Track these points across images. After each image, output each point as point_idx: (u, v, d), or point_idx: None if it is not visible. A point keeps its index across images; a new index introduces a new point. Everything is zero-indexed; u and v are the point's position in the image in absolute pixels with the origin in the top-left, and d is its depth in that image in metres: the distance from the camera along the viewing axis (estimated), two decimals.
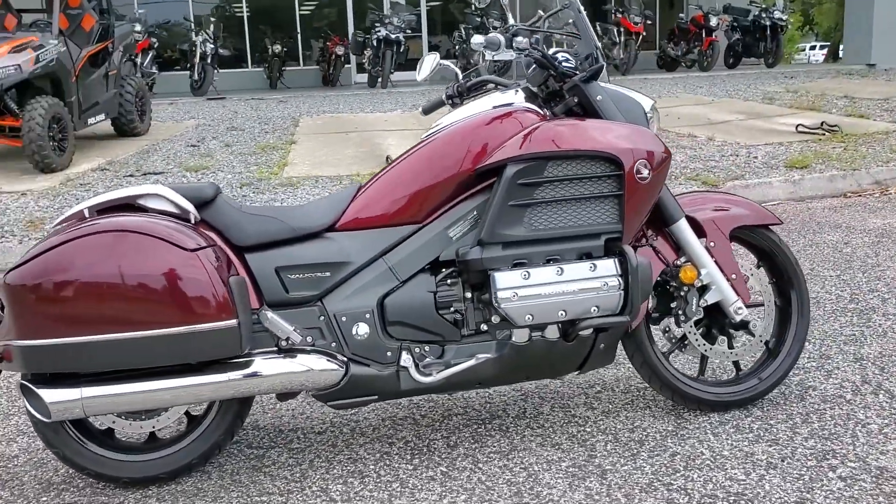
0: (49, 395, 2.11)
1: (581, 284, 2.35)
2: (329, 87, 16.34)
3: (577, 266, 2.35)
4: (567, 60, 2.56)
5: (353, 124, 9.81)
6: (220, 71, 15.27)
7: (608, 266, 2.37)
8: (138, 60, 13.84)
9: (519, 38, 2.46)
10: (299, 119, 10.44)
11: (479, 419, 2.71)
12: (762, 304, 2.72)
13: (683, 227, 2.56)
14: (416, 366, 2.35)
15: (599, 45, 2.58)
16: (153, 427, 2.37)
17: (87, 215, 2.25)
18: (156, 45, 14.56)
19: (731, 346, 2.70)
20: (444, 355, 2.39)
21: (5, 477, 2.47)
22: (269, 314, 2.25)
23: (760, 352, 2.75)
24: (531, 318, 2.34)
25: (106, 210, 2.26)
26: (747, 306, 2.67)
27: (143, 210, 2.27)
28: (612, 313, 2.38)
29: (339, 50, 16.24)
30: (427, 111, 2.84)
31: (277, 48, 16.74)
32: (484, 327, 2.41)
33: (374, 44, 14.63)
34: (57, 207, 6.16)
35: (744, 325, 2.67)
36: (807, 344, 3.19)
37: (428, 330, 2.37)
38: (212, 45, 14.46)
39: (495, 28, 2.75)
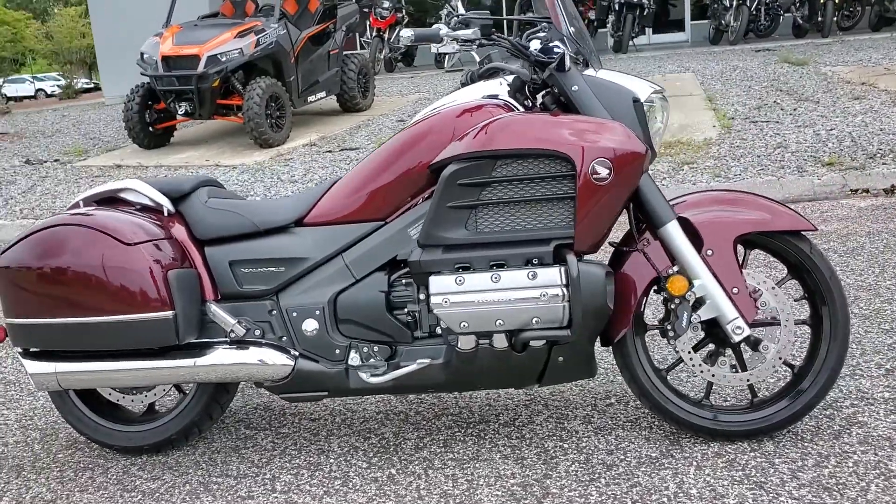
0: (31, 367, 2.39)
1: (519, 293, 2.17)
2: None
3: (516, 274, 2.17)
4: (555, 48, 2.34)
5: None
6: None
7: (551, 275, 2.16)
8: (385, 35, 14.67)
9: (467, 30, 2.29)
10: None
11: (464, 422, 2.62)
12: (777, 323, 2.32)
13: (672, 232, 2.26)
14: (364, 365, 2.33)
15: (571, 30, 2.33)
16: (142, 402, 2.58)
17: (81, 205, 2.49)
18: (404, 21, 15.21)
19: (742, 369, 2.35)
20: (394, 356, 2.34)
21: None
22: (213, 307, 2.35)
23: (777, 377, 2.37)
24: (466, 325, 2.21)
25: (98, 201, 2.49)
26: (757, 325, 2.32)
27: (125, 202, 2.46)
28: (557, 326, 2.18)
29: (592, 14, 15.90)
30: None
31: None
32: (438, 331, 2.32)
33: (616, 7, 14.18)
34: (252, 182, 6.75)
35: (755, 346, 2.32)
36: (853, 372, 2.70)
37: (378, 330, 2.33)
38: None
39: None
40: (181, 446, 2.60)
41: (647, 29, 16.21)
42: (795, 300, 2.45)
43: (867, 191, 5.18)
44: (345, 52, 9.67)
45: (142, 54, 8.39)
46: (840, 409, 2.49)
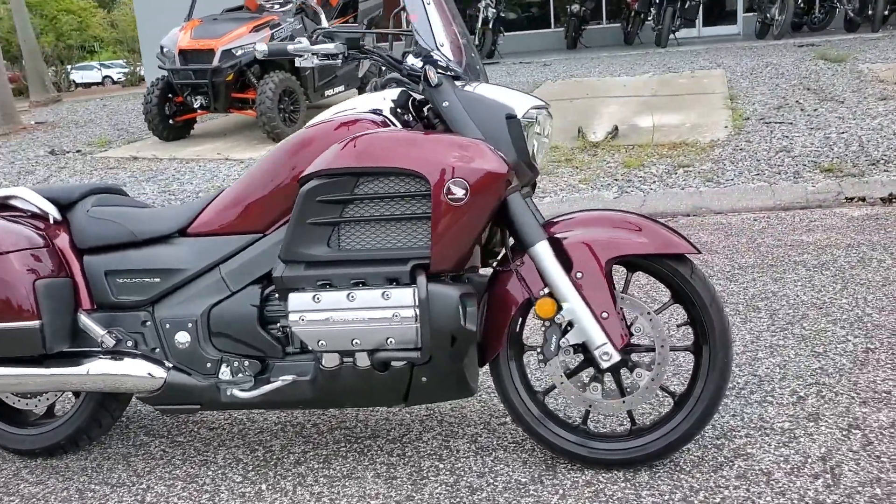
0: None
1: (372, 313, 2.13)
2: (628, 45, 15.78)
3: (370, 293, 2.13)
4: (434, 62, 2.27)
5: (590, 90, 9.47)
6: (518, 33, 15.55)
7: (404, 296, 2.11)
8: None
9: (329, 45, 2.25)
10: (541, 84, 10.33)
11: (355, 437, 2.59)
12: (652, 349, 2.23)
13: (540, 253, 2.18)
14: (234, 380, 2.32)
15: (443, 43, 2.26)
16: (35, 406, 2.62)
17: None
18: None
19: (622, 395, 2.27)
20: (265, 372, 2.32)
21: None
22: (83, 317, 2.37)
23: (660, 404, 2.28)
24: (324, 343, 2.18)
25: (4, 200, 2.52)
26: (632, 350, 2.23)
27: (13, 209, 2.49)
28: (412, 347, 2.14)
29: (637, 5, 15.61)
30: None
31: (576, 7, 16.45)
32: (310, 347, 2.30)
33: (657, 0, 13.89)
34: None
35: (631, 372, 2.23)
36: (764, 398, 2.58)
37: (249, 344, 2.31)
38: (493, 10, 14.70)
39: None
40: (74, 451, 2.63)
41: (696, 21, 15.87)
42: (678, 326, 2.36)
43: (864, 199, 4.97)
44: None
45: (161, 48, 8.54)
46: (733, 438, 2.39)
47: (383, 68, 2.40)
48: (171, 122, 8.78)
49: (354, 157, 2.13)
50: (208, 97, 8.22)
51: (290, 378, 2.25)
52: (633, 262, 2.25)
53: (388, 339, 2.13)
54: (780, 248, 4.22)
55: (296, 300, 2.17)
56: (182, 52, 8.24)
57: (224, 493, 2.33)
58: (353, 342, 2.15)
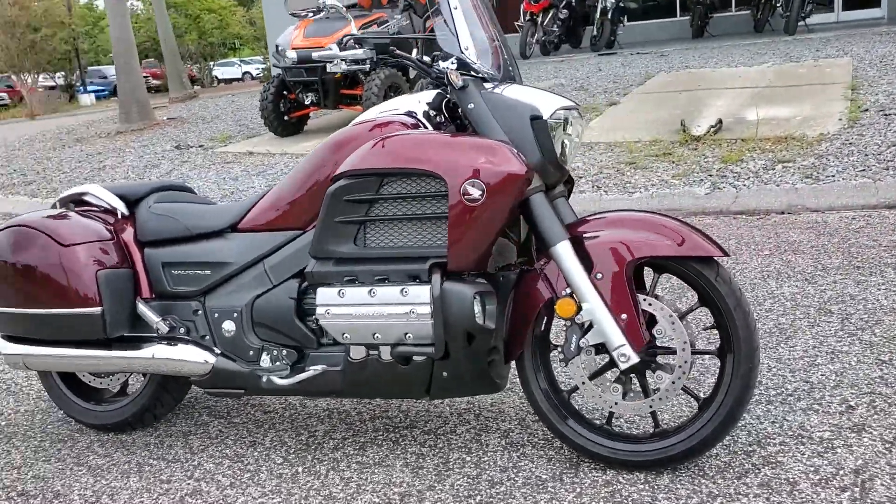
0: (3, 348, 2.71)
1: (391, 309, 2.21)
2: (757, 33, 15.16)
3: (390, 290, 2.22)
4: (458, 65, 2.33)
5: (702, 81, 9.21)
6: (641, 23, 15.27)
7: (420, 293, 2.18)
8: (539, 19, 14.58)
9: (357, 51, 2.33)
10: (653, 75, 10.11)
11: (394, 426, 2.67)
12: (674, 351, 2.21)
13: (561, 253, 2.20)
14: (273, 368, 2.46)
15: (467, 46, 2.30)
16: (109, 385, 2.86)
17: (57, 206, 2.78)
18: (561, 4, 15.01)
19: (646, 396, 2.26)
20: (300, 361, 2.45)
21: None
22: (141, 305, 2.56)
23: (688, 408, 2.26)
24: (348, 336, 2.28)
25: (72, 201, 2.76)
26: (655, 352, 2.22)
27: (88, 204, 2.72)
28: (429, 342, 2.21)
29: None
30: None
31: None
32: (337, 339, 2.40)
33: None
34: None
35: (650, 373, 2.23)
36: (810, 406, 2.49)
37: (287, 335, 2.44)
38: (612, 0, 14.46)
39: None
40: (141, 427, 2.85)
41: (833, 5, 15.08)
42: (705, 329, 2.32)
43: None
44: None
45: (277, 46, 8.91)
46: (766, 445, 2.33)
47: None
48: (285, 118, 9.14)
49: (378, 158, 2.22)
50: (318, 94, 8.52)
51: (320, 368, 2.37)
52: (659, 264, 2.24)
53: (406, 334, 2.21)
54: (873, 248, 4.02)
55: (323, 294, 2.29)
56: (295, 50, 8.56)
57: (264, 473, 2.48)
58: (375, 336, 2.25)
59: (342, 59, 2.34)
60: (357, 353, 2.32)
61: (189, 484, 2.47)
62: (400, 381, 2.32)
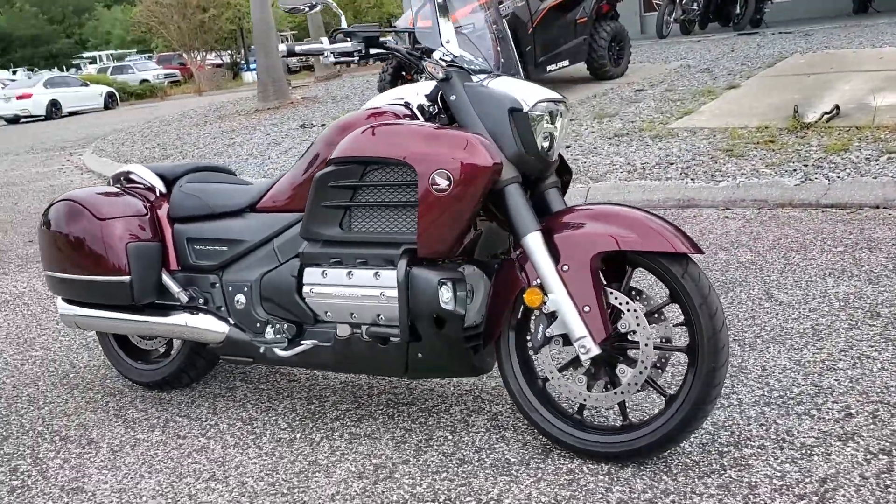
0: (60, 308, 3.04)
1: (365, 291, 2.33)
2: None
3: (365, 273, 2.33)
4: (452, 60, 2.40)
5: (837, 63, 8.69)
6: None
7: (390, 277, 2.29)
8: None
9: (346, 44, 2.42)
10: (786, 56, 9.62)
11: (404, 402, 2.80)
12: (635, 346, 2.20)
13: (530, 244, 2.23)
14: (275, 340, 2.64)
15: (446, 39, 2.35)
16: (154, 346, 3.15)
17: (111, 181, 3.07)
18: None
19: (610, 387, 2.28)
20: (298, 335, 2.62)
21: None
22: (165, 276, 2.80)
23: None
24: (329, 314, 2.42)
25: (122, 177, 3.05)
26: (619, 346, 2.23)
27: (134, 181, 3.00)
28: (398, 324, 2.31)
29: None
30: None
31: None
32: (320, 317, 2.54)
33: None
34: None
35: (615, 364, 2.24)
36: (815, 408, 2.39)
37: (287, 310, 2.61)
38: None
39: None
40: (179, 387, 3.12)
41: None
42: (676, 326, 2.30)
43: None
44: (600, 20, 9.61)
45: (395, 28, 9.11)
46: (743, 447, 2.29)
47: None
48: None
49: (360, 146, 2.33)
50: None
51: (311, 343, 2.53)
52: (630, 259, 2.24)
53: (378, 315, 2.33)
54: None
55: (309, 274, 2.44)
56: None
57: (266, 437, 2.68)
58: (352, 315, 2.38)
59: (331, 52, 2.46)
60: (342, 331, 2.46)
61: (200, 441, 2.70)
62: (380, 359, 2.44)
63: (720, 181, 5.26)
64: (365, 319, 2.37)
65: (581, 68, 9.89)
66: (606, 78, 9.80)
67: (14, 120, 24.18)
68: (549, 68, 9.15)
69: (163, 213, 2.90)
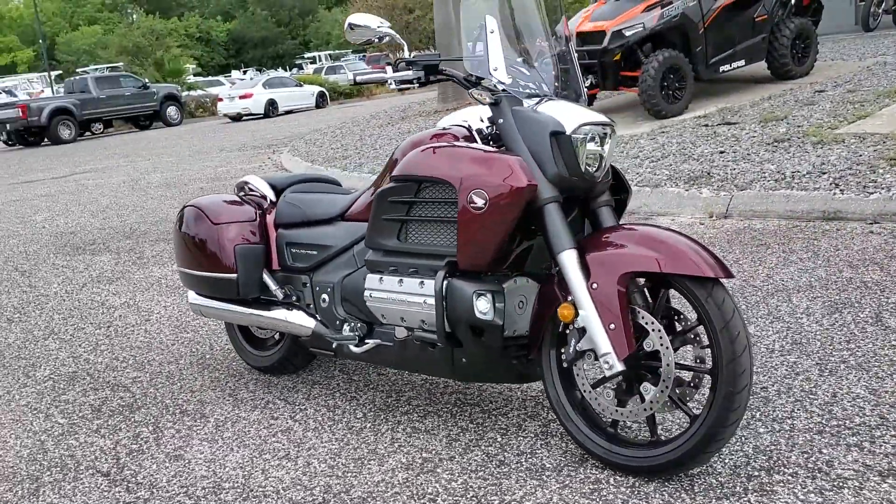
0: (190, 298, 3.48)
1: (411, 298, 2.53)
2: None
3: (412, 281, 2.53)
4: (509, 84, 2.54)
5: None
6: None
7: (431, 286, 2.47)
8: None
9: (408, 72, 2.60)
10: None
11: (470, 402, 3.00)
12: (659, 364, 2.25)
13: (564, 261, 2.34)
14: (349, 336, 2.91)
15: (494, 66, 2.47)
16: (268, 335, 3.53)
17: (235, 189, 3.48)
18: None
19: (625, 403, 2.35)
20: (369, 334, 2.87)
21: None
22: (265, 275, 3.15)
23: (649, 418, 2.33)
24: (384, 318, 2.65)
25: (244, 185, 3.44)
26: (644, 364, 2.30)
27: (252, 191, 3.38)
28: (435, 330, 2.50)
29: None
30: None
31: None
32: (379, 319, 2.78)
33: None
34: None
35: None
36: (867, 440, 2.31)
37: (360, 310, 2.87)
38: None
39: None
40: (288, 373, 3.48)
41: None
42: (702, 348, 2.32)
43: None
44: (781, 18, 9.17)
45: None
46: (775, 472, 2.28)
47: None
48: None
49: (414, 166, 2.55)
50: (597, 76, 8.69)
51: (377, 342, 2.78)
52: (664, 281, 2.30)
53: (422, 320, 2.54)
54: None
55: (369, 280, 2.69)
56: (579, 35, 8.81)
57: (342, 424, 2.95)
58: (402, 319, 2.60)
59: (392, 80, 2.67)
60: (399, 333, 2.69)
61: (288, 422, 3.03)
62: (430, 361, 2.65)
63: (872, 193, 4.96)
64: (412, 324, 2.59)
65: (762, 68, 9.48)
66: (788, 78, 9.33)
67: (237, 118, 26.43)
68: (722, 69, 8.87)
69: (270, 219, 3.25)
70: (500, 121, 2.48)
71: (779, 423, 2.56)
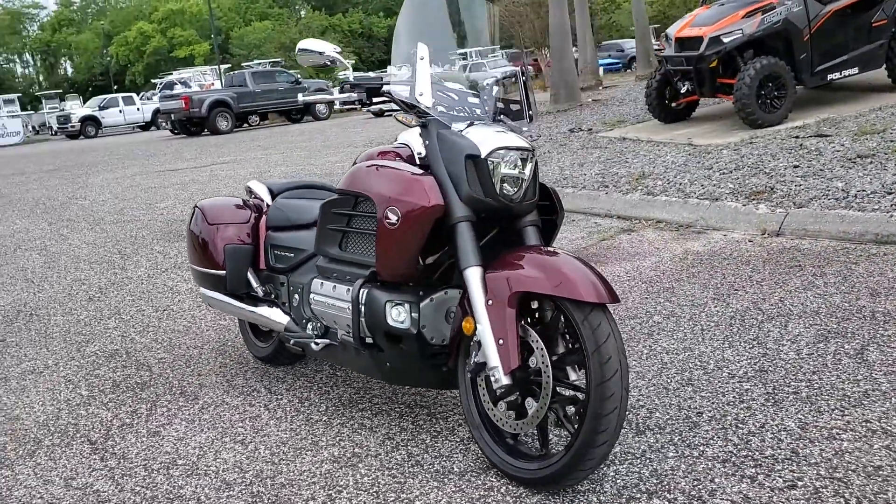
0: (201, 290, 3.82)
1: (339, 303, 2.72)
2: None
3: (343, 288, 2.72)
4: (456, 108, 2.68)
5: None
6: None
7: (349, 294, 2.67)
8: None
9: (352, 94, 2.76)
10: None
11: (421, 404, 3.16)
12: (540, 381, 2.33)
13: (469, 277, 2.45)
14: (311, 335, 3.13)
15: (420, 94, 2.59)
16: (268, 328, 3.82)
17: (246, 192, 3.79)
18: None
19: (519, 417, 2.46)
20: (325, 335, 3.08)
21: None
22: (248, 274, 3.42)
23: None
24: (323, 320, 2.86)
25: (250, 188, 3.74)
26: (526, 380, 2.39)
27: (258, 196, 3.68)
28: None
29: None
30: None
31: None
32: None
33: None
34: (676, 168, 7.03)
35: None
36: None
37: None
38: None
39: None
40: (281, 364, 3.75)
41: None
42: (579, 368, 2.38)
43: None
44: None
45: (665, 35, 9.08)
46: (655, 495, 2.32)
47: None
48: (672, 105, 9.29)
49: (349, 181, 2.74)
50: (693, 83, 8.51)
51: (326, 342, 2.99)
52: (551, 301, 2.39)
53: (347, 325, 2.73)
54: None
55: (314, 284, 2.91)
56: (678, 40, 8.66)
57: (302, 416, 3.18)
58: (334, 323, 2.80)
59: (337, 100, 2.85)
60: (340, 335, 2.89)
61: (258, 410, 3.30)
62: (364, 363, 2.83)
63: None
64: (342, 328, 2.78)
65: (881, 76, 8.96)
66: None
67: (379, 113, 27.24)
68: (830, 77, 8.46)
69: (262, 222, 3.53)
70: (426, 143, 2.63)
71: (691, 448, 2.58)
